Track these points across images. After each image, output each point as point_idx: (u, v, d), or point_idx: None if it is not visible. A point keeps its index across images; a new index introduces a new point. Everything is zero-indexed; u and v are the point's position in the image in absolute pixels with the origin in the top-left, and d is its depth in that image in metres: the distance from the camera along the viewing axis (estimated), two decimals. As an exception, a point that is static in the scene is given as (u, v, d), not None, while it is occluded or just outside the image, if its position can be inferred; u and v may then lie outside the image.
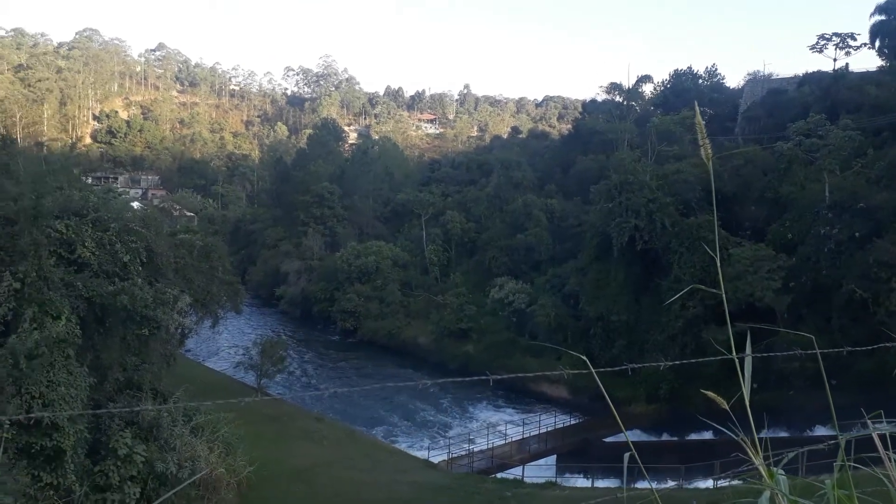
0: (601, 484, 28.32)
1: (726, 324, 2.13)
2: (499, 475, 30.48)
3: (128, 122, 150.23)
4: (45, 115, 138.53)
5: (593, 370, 2.28)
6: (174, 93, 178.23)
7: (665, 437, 38.92)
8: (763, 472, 1.90)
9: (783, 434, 32.47)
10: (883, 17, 62.55)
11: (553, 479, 29.87)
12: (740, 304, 36.96)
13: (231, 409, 25.44)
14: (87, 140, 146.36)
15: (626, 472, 2.45)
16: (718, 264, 2.22)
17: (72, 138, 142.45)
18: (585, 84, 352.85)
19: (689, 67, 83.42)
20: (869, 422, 2.03)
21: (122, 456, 19.15)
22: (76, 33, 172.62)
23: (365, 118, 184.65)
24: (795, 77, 69.52)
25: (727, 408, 2.06)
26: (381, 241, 66.71)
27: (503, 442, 34.11)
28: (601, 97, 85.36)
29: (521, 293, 52.34)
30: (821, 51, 67.11)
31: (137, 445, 19.59)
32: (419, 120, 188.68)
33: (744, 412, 2.03)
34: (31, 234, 19.76)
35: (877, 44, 64.16)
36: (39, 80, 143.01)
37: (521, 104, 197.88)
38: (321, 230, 71.01)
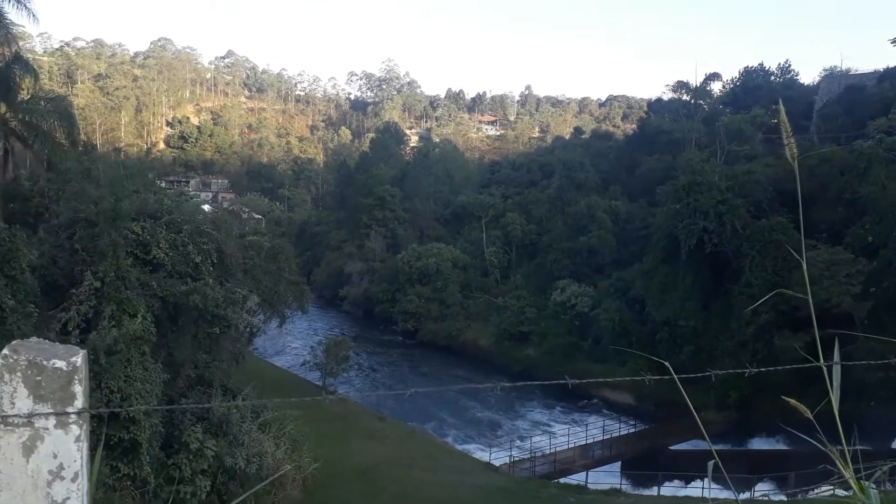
0: (667, 492, 27.55)
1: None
2: (561, 480, 30.07)
3: (199, 128, 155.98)
4: (122, 122, 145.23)
5: (675, 377, 2.15)
6: (242, 98, 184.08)
7: (733, 445, 37.60)
8: (854, 486, 1.75)
9: (864, 447, 30.85)
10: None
11: (618, 486, 29.25)
12: (815, 309, 35.13)
13: (298, 406, 25.97)
14: (161, 145, 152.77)
15: (709, 481, 2.29)
16: (805, 267, 2.06)
17: (147, 144, 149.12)
18: (651, 83, 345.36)
19: (761, 64, 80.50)
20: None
21: (194, 450, 19.76)
22: (151, 43, 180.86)
23: (426, 121, 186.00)
24: (875, 72, 65.94)
25: (811, 417, 1.95)
26: (441, 244, 67.00)
27: (566, 447, 33.64)
28: (667, 96, 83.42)
29: (583, 296, 51.56)
30: (903, 45, 63.50)
31: (208, 440, 20.18)
32: (480, 122, 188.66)
33: (821, 422, 1.92)
34: (110, 236, 20.65)
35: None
36: (117, 89, 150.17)
37: (583, 104, 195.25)
38: (383, 232, 71.90)
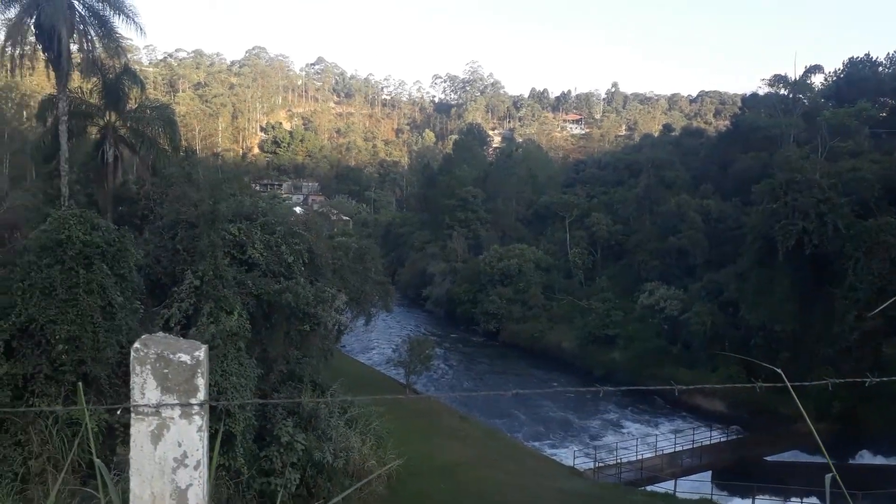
0: (762, 505, 26.31)
1: None
2: (648, 488, 29.24)
3: (290, 133, 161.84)
4: (220, 128, 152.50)
5: (789, 384, 2.05)
6: (331, 104, 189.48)
7: (836, 459, 35.40)
8: None
9: None
10: None
11: (708, 496, 28.18)
12: (931, 316, 32.79)
13: (381, 403, 26.47)
14: (255, 150, 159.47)
15: (828, 497, 2.15)
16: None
17: (242, 149, 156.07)
18: (744, 77, 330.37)
19: (867, 54, 75.19)
20: None
21: (285, 443, 20.48)
22: (246, 51, 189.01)
23: (509, 121, 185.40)
24: None
25: None
26: (523, 244, 66.55)
27: (653, 454, 32.67)
28: (763, 90, 79.33)
29: (672, 299, 49.92)
30: None
31: (298, 434, 20.86)
32: (564, 120, 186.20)
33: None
34: (209, 237, 21.73)
35: None
36: (215, 96, 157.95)
37: (673, 101, 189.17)
38: (465, 233, 72.23)
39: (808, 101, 71.15)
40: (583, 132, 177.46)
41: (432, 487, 25.01)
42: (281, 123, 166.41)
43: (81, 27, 28.74)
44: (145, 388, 1.61)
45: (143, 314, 19.61)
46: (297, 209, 60.27)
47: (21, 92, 79.75)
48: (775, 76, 73.43)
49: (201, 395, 1.62)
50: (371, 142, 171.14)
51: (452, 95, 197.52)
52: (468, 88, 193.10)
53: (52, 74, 29.25)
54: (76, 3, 28.72)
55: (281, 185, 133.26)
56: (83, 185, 31.41)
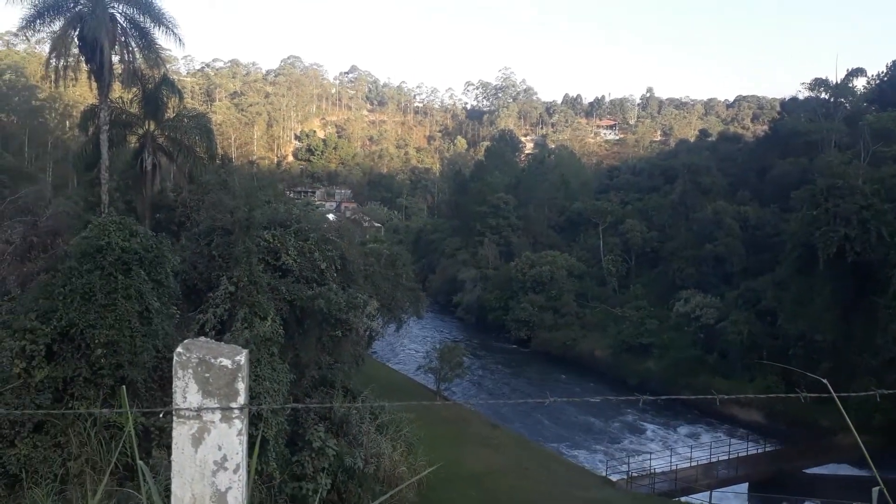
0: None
1: None
2: (683, 499, 28.71)
3: (324, 141, 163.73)
4: (255, 136, 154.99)
5: (835, 395, 1.99)
6: (365, 112, 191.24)
7: (881, 473, 34.27)
8: None
9: None
10: None
11: (746, 510, 27.56)
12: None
13: (411, 409, 26.48)
14: (290, 158, 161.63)
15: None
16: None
17: (277, 156, 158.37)
18: (783, 81, 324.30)
19: (913, 56, 73.21)
20: None
21: (317, 448, 20.58)
22: (281, 61, 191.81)
23: (542, 127, 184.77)
24: None
25: None
26: (555, 251, 66.13)
27: (688, 465, 32.07)
28: (803, 95, 77.95)
29: (709, 308, 49.08)
30: None
31: (329, 439, 20.96)
32: (598, 126, 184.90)
33: None
34: (244, 243, 22.04)
35: None
36: (250, 105, 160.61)
37: (709, 105, 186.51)
38: (496, 240, 72.07)
39: (851, 105, 69.56)
40: (617, 138, 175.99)
41: (462, 495, 24.91)
42: (315, 131, 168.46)
43: (123, 39, 29.50)
44: (187, 391, 1.63)
45: (178, 319, 19.92)
46: (330, 216, 60.83)
47: (64, 103, 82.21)
48: (816, 80, 72.03)
49: (241, 399, 1.64)
50: (403, 149, 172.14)
51: (485, 102, 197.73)
52: (500, 95, 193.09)
53: (94, 85, 30.07)
54: (118, 16, 29.49)
55: (314, 193, 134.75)
56: (122, 192, 32.15)
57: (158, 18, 29.85)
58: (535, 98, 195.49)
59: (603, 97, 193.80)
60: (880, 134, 50.69)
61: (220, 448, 1.64)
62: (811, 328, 40.79)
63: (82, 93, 65.69)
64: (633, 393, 45.65)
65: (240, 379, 1.64)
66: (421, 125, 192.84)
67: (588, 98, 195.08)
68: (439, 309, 70.65)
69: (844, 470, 32.52)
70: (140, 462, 1.82)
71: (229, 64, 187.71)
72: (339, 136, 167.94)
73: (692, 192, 63.29)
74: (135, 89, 31.35)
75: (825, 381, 2.07)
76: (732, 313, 46.47)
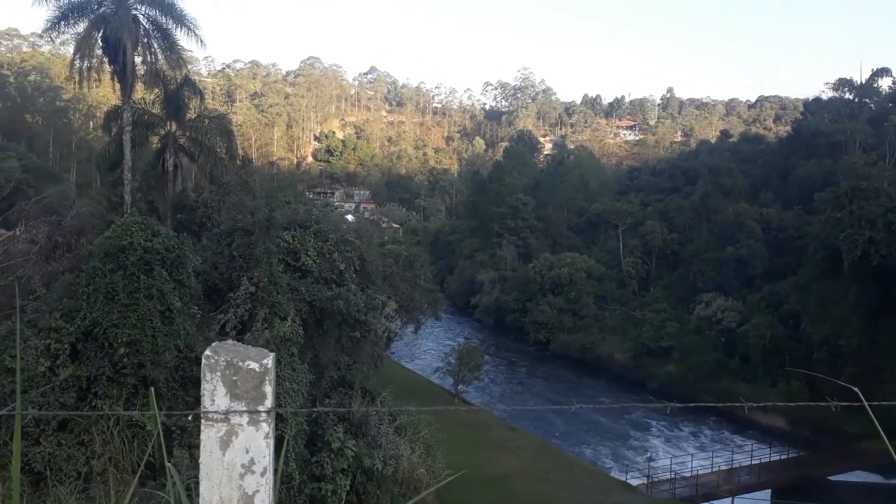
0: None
1: None
2: (704, 504, 28.40)
3: (343, 142, 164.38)
4: (275, 137, 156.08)
5: (866, 403, 1.91)
6: (383, 112, 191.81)
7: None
8: None
9: None
10: None
11: (768, 516, 27.17)
12: None
13: (430, 412, 26.44)
14: (309, 159, 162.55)
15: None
16: None
17: (297, 157, 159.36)
18: (807, 81, 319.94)
19: (940, 55, 71.87)
20: None
21: (336, 449, 20.60)
22: (301, 62, 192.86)
23: (561, 128, 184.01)
24: None
25: None
26: (574, 253, 65.77)
27: (709, 470, 31.70)
28: (827, 95, 76.91)
29: (730, 311, 48.49)
30: None
31: (348, 440, 20.98)
32: (617, 127, 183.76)
33: None
34: (265, 244, 22.15)
35: None
36: (271, 106, 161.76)
37: (731, 106, 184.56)
38: (514, 241, 71.83)
39: (876, 105, 68.48)
40: (637, 139, 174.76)
41: (482, 499, 24.82)
42: (334, 132, 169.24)
43: (145, 40, 29.81)
44: (215, 394, 1.60)
45: (200, 319, 20.06)
46: (349, 217, 61.03)
47: (88, 103, 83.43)
48: (840, 80, 71.06)
49: (269, 402, 1.60)
50: (421, 150, 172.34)
51: (503, 102, 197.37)
52: (519, 95, 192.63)
53: (118, 86, 30.41)
54: (141, 17, 29.81)
55: (333, 194, 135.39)
56: (145, 192, 32.47)
57: (180, 20, 30.13)
58: (553, 98, 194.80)
59: (623, 97, 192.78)
60: (906, 135, 49.89)
61: (247, 451, 1.60)
62: (835, 332, 40.14)
63: (105, 94, 66.62)
64: (652, 396, 45.28)
65: (267, 382, 1.61)
66: (439, 126, 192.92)
67: (608, 98, 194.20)
68: (457, 310, 70.58)
69: (872, 477, 31.96)
70: (168, 464, 1.79)
71: (249, 65, 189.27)
72: (358, 137, 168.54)
73: (713, 194, 62.63)
74: (157, 90, 31.67)
75: (855, 388, 1.98)
76: (754, 317, 45.88)
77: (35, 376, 16.10)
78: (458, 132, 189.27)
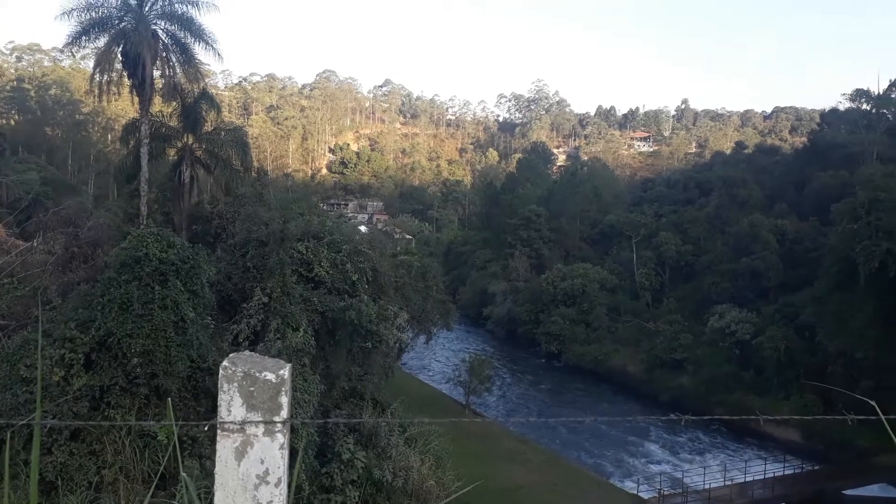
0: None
1: None
2: (717, 520, 28.06)
3: (357, 154, 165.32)
4: (290, 149, 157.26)
5: (883, 417, 1.93)
6: (397, 125, 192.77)
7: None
8: None
9: None
10: None
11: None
12: None
13: (444, 424, 26.39)
14: (324, 171, 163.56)
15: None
16: None
17: (311, 169, 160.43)
18: (823, 93, 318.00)
19: (958, 66, 71.26)
20: None
21: (346, 460, 20.61)
22: (317, 75, 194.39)
23: (574, 139, 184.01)
24: None
25: None
26: (587, 264, 65.55)
27: (721, 484, 31.36)
28: (843, 106, 76.48)
29: (744, 323, 48.07)
30: None
31: (358, 451, 20.99)
32: (631, 138, 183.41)
33: None
34: (279, 255, 22.33)
35: None
36: (286, 119, 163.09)
37: (746, 117, 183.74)
38: (527, 252, 71.72)
39: (893, 116, 67.96)
40: (651, 150, 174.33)
41: (493, 510, 24.67)
42: (348, 144, 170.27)
43: (164, 54, 30.27)
44: (231, 405, 1.65)
45: (213, 329, 20.20)
46: (363, 228, 61.27)
47: (107, 117, 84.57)
48: (857, 91, 70.72)
49: (284, 413, 1.65)
50: (435, 161, 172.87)
51: (517, 114, 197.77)
52: (533, 107, 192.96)
53: (136, 99, 30.86)
54: (160, 32, 30.29)
55: (347, 205, 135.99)
56: (161, 204, 32.84)
57: (199, 34, 30.57)
58: (567, 110, 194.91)
59: (637, 109, 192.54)
60: (924, 146, 49.42)
61: (262, 462, 1.66)
62: (851, 345, 39.67)
63: (124, 107, 67.50)
64: (665, 409, 44.88)
65: (283, 393, 1.66)
66: (453, 137, 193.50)
67: (622, 110, 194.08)
68: (469, 322, 70.47)
69: (887, 491, 31.48)
70: (183, 474, 1.84)
71: (266, 78, 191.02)
72: (372, 149, 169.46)
73: (728, 205, 62.28)
74: (174, 103, 32.11)
75: (872, 402, 2.00)
76: (769, 329, 45.46)
77: (49, 386, 16.27)
78: (471, 144, 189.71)
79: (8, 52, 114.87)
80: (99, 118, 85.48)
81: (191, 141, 32.04)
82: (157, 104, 33.43)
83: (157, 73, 30.79)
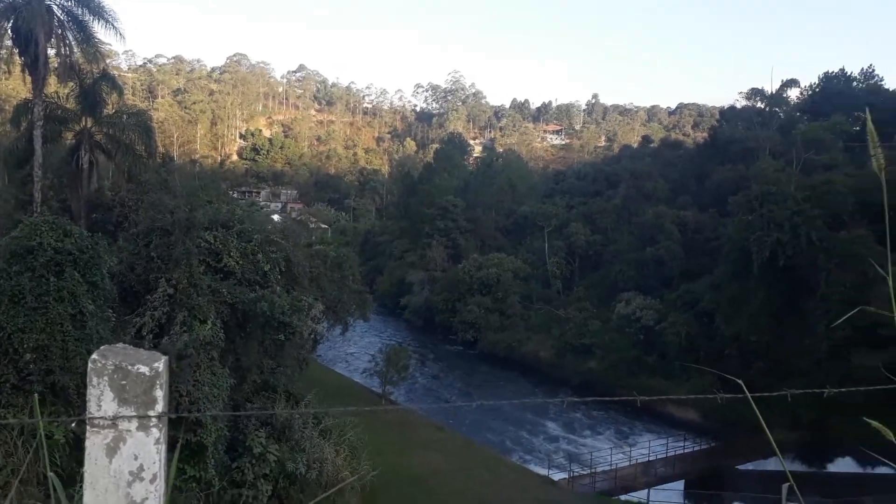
0: (736, 515, 26.57)
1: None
2: (622, 497, 29.40)
3: (270, 140, 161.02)
4: (198, 135, 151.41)
5: (749, 395, 2.09)
6: (312, 111, 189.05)
7: (807, 467, 35.99)
8: None
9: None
10: None
11: (682, 506, 28.41)
12: (899, 328, 33.45)
13: (357, 413, 26.32)
14: (234, 157, 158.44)
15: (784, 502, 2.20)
16: (890, 283, 1.96)
17: (221, 155, 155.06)
18: (723, 90, 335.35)
19: (842, 69, 76.67)
20: None
21: (257, 454, 20.26)
22: (227, 58, 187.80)
23: (490, 131, 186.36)
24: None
25: (894, 440, 1.86)
26: (502, 254, 66.76)
27: (627, 463, 32.86)
28: (741, 104, 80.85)
29: (649, 309, 50.36)
30: None
31: (271, 445, 20.67)
32: (544, 131, 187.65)
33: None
34: (185, 244, 21.50)
35: None
36: (194, 103, 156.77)
37: (652, 112, 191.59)
38: (444, 242, 72.23)
39: (785, 114, 72.55)
40: (563, 143, 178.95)
41: (406, 498, 24.89)
42: (261, 130, 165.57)
43: (59, 31, 28.44)
44: (102, 399, 1.60)
45: (115, 322, 19.31)
46: (275, 217, 59.93)
47: (-6, 95, 78.51)
48: (752, 90, 74.94)
49: (160, 407, 1.62)
50: (351, 150, 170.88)
51: (434, 105, 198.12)
52: (450, 98, 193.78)
53: (29, 79, 28.87)
54: (55, 8, 28.42)
55: (259, 193, 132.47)
56: (56, 191, 30.96)
57: (97, 11, 28.89)
58: (483, 102, 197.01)
59: (550, 102, 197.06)
60: (811, 143, 53.01)
61: (136, 458, 1.62)
62: (746, 330, 42.34)
63: (15, 86, 62.89)
64: (574, 393, 46.44)
65: (158, 386, 1.63)
66: (370, 126, 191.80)
67: (535, 103, 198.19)
68: (387, 312, 70.37)
69: (774, 465, 33.92)
70: (51, 474, 1.77)
71: (173, 60, 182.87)
72: (286, 136, 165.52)
73: (634, 197, 64.86)
74: (71, 84, 30.27)
75: (740, 381, 2.18)
76: (671, 315, 47.84)
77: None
78: (388, 133, 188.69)
79: None
80: (-14, 97, 79.29)
81: (90, 124, 30.31)
82: (53, 85, 31.41)
83: (52, 52, 28.91)
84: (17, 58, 28.61)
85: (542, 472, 31.51)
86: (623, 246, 60.42)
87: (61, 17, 28.59)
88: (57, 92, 31.38)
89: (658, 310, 49.92)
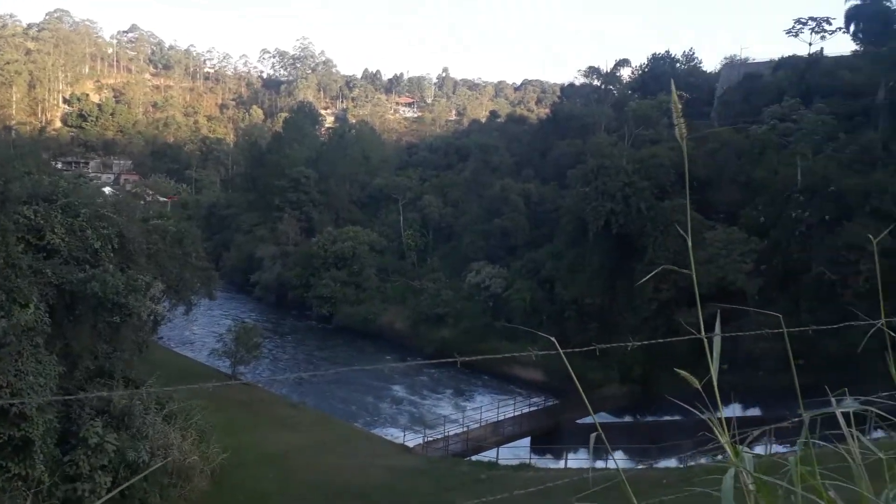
0: (573, 464, 28.68)
1: (697, 306, 2.09)
2: (474, 458, 30.72)
3: (99, 106, 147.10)
4: (14, 99, 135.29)
5: (561, 351, 2.22)
6: (147, 76, 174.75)
7: (637, 418, 39.55)
8: (729, 450, 1.88)
9: (755, 413, 33.12)
10: (858, 2, 63.14)
11: (527, 461, 30.22)
12: (712, 286, 37.49)
13: (204, 396, 25.23)
14: (58, 124, 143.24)
15: (591, 451, 2.40)
16: (690, 246, 2.16)
17: (41, 122, 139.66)
18: (564, 68, 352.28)
19: (667, 52, 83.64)
20: (833, 400, 2.03)
21: (93, 445, 18.92)
22: (46, 14, 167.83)
23: (342, 101, 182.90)
24: (771, 62, 69.87)
25: (699, 387, 2.05)
26: (357, 227, 66.31)
27: (478, 425, 34.34)
28: (579, 81, 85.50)
29: (497, 278, 52.51)
30: (796, 35, 66.32)
31: (109, 434, 19.37)
32: (397, 103, 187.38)
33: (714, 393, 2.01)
34: (-2, 221, 19.29)
35: (851, 28, 64.72)
36: (8, 63, 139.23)
37: (499, 88, 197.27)
38: (297, 215, 70.38)
39: (618, 92, 77.77)
40: (415, 115, 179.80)
41: (260, 477, 24.38)
42: (88, 95, 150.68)
43: None
44: None
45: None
46: (107, 189, 55.25)
47: None
48: (589, 68, 79.51)
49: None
50: (192, 117, 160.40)
51: (282, 72, 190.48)
52: (299, 66, 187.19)
53: None
54: None
55: (88, 164, 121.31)
56: None
57: None
58: (334, 71, 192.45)
59: (401, 74, 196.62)
60: (641, 119, 57.33)
61: None
62: (583, 293, 45.49)
63: None
64: (429, 359, 47.58)
65: None
66: (212, 92, 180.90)
67: (387, 74, 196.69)
68: (236, 289, 67.69)
69: (607, 417, 37.11)
70: None
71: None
72: (118, 102, 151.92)
73: (483, 170, 66.89)
74: None
75: (552, 338, 2.30)
76: (516, 282, 50.26)
77: None
78: (233, 100, 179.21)
79: None
80: None
81: None
82: None
83: None
84: None
85: (398, 440, 32.09)
86: (473, 218, 62.27)
87: None
88: None
89: (505, 278, 52.19)
